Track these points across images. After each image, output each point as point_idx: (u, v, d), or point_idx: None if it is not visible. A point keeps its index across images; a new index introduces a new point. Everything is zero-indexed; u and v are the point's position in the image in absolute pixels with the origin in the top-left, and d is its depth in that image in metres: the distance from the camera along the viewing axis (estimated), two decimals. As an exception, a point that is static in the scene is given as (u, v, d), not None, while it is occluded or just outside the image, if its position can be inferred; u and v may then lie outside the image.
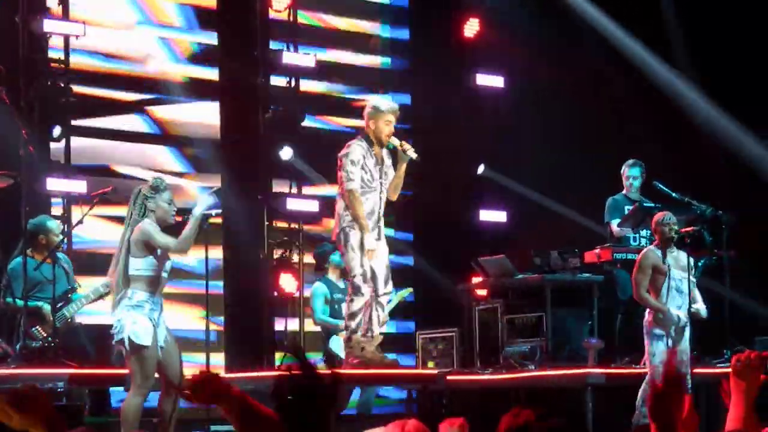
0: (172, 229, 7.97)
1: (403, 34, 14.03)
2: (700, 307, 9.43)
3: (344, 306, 9.46)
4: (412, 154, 8.57)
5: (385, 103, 8.74)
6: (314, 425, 2.85)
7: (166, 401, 7.83)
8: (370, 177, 8.63)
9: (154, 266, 7.79)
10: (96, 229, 11.15)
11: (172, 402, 7.81)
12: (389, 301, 10.33)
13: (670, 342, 9.20)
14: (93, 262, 10.11)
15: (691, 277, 9.33)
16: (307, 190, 12.43)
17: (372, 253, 8.51)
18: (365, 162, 8.61)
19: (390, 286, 8.75)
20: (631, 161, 10.91)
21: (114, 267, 7.83)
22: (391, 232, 12.36)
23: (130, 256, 7.77)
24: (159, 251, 7.76)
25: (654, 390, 3.18)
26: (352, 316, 8.69)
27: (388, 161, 8.72)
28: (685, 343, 9.26)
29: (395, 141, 8.61)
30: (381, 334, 8.94)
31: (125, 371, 7.98)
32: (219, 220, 11.05)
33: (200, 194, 8.35)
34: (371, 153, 8.63)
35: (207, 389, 2.94)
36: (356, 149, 8.62)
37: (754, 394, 3.70)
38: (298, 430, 2.84)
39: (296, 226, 12.24)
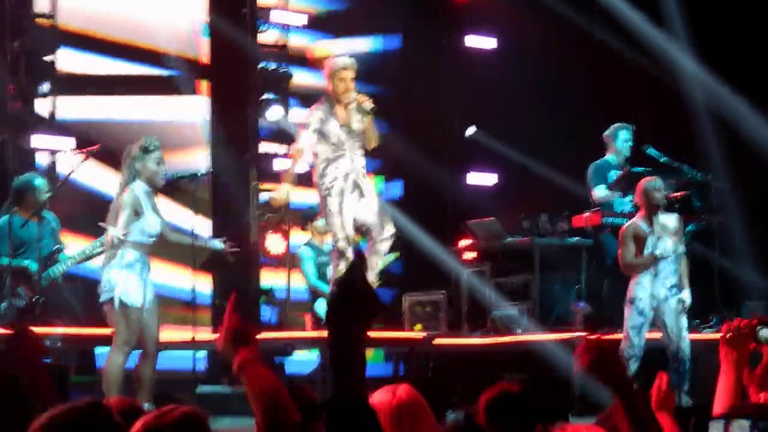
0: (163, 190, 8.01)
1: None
2: (686, 297, 9.29)
3: (329, 270, 9.44)
4: (368, 105, 8.56)
5: (338, 61, 8.69)
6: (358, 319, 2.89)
7: (144, 365, 7.84)
8: (337, 140, 8.61)
9: (140, 230, 7.78)
10: (87, 176, 11.02)
11: (150, 366, 7.82)
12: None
13: (642, 305, 9.10)
14: (80, 219, 10.03)
15: (680, 247, 9.21)
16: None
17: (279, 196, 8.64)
18: (326, 127, 8.60)
19: (389, 230, 8.70)
20: (621, 125, 10.79)
21: (110, 224, 7.83)
22: (380, 184, 12.36)
23: (119, 219, 7.75)
24: (144, 216, 7.74)
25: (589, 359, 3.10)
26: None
27: (357, 116, 8.67)
28: (670, 316, 9.12)
29: (352, 96, 8.58)
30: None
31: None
32: (207, 178, 11.01)
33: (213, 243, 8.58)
34: (333, 116, 8.60)
35: (238, 335, 2.95)
36: (314, 116, 8.64)
37: (744, 362, 3.68)
38: (342, 323, 2.88)
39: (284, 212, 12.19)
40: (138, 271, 7.73)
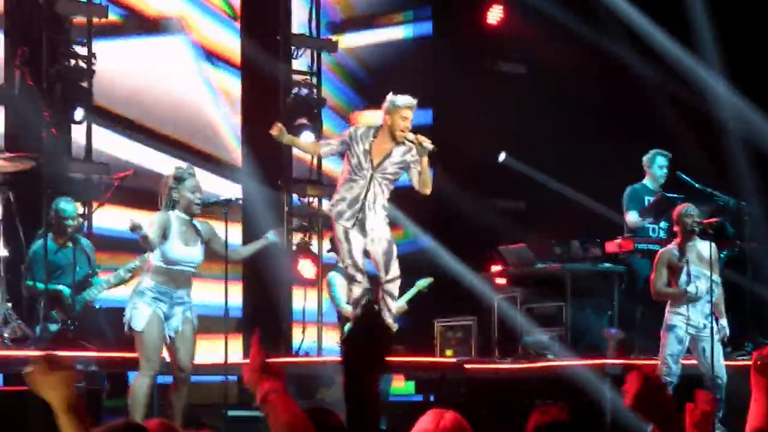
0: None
1: (427, 20, 13.95)
2: (724, 325, 9.33)
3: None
4: (429, 145, 8.56)
5: (402, 99, 8.72)
6: (372, 355, 3.00)
7: (174, 392, 7.91)
8: (357, 163, 8.63)
9: (161, 253, 7.83)
10: (118, 219, 11.12)
11: (180, 393, 7.90)
12: (409, 290, 10.29)
13: (681, 333, 9.12)
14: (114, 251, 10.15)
15: (714, 276, 9.20)
16: (326, 175, 12.41)
17: None
18: (354, 145, 8.63)
19: (394, 272, 8.68)
20: (659, 151, 10.76)
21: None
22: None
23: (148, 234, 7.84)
24: (169, 240, 7.79)
25: (635, 389, 3.08)
26: (355, 304, 8.73)
27: (398, 158, 8.65)
28: (708, 344, 9.13)
29: (410, 136, 8.61)
30: (396, 323, 8.93)
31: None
32: (239, 205, 11.05)
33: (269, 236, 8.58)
34: (366, 140, 8.62)
35: (263, 367, 3.03)
36: (349, 130, 8.76)
37: None
38: (359, 359, 2.95)
39: (315, 212, 12.24)
40: (149, 299, 7.79)
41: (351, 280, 8.67)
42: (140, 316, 7.78)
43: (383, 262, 8.65)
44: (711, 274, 9.18)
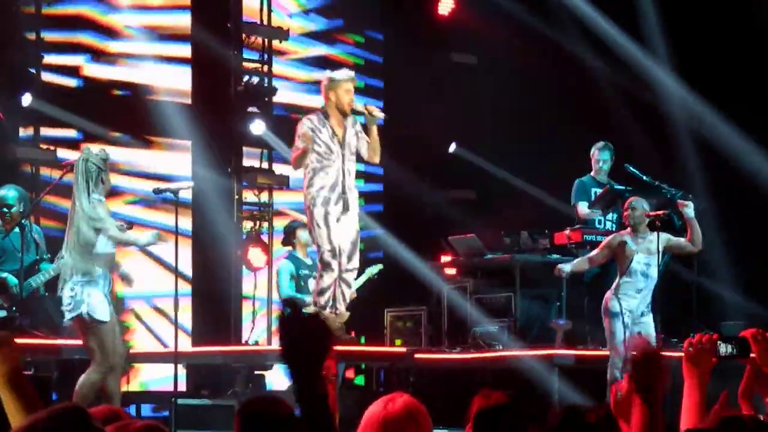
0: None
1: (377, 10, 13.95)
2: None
3: (312, 282, 9.46)
4: (379, 114, 8.65)
5: (341, 73, 8.76)
6: (311, 354, 3.01)
7: (113, 380, 7.76)
8: (326, 149, 8.64)
9: (107, 245, 7.72)
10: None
11: (115, 380, 7.76)
12: (357, 278, 10.34)
13: (626, 320, 9.23)
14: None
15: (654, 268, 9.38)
16: (277, 164, 12.40)
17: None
18: (317, 135, 8.62)
19: (355, 263, 8.74)
20: (601, 144, 10.86)
21: (71, 238, 7.70)
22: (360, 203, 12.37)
23: (110, 227, 7.69)
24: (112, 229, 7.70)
25: (633, 359, 3.22)
26: (321, 292, 8.70)
27: (353, 129, 8.72)
28: (648, 329, 9.29)
29: (360, 107, 8.66)
30: (348, 311, 8.96)
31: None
32: (189, 194, 11.03)
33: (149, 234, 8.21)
34: (325, 125, 8.64)
35: None
36: (303, 124, 8.66)
37: (707, 379, 3.67)
38: (297, 359, 2.99)
39: (266, 201, 12.23)
40: (101, 286, 7.66)
41: (325, 266, 8.63)
42: (103, 306, 7.60)
43: (348, 251, 8.67)
44: (660, 264, 9.32)
